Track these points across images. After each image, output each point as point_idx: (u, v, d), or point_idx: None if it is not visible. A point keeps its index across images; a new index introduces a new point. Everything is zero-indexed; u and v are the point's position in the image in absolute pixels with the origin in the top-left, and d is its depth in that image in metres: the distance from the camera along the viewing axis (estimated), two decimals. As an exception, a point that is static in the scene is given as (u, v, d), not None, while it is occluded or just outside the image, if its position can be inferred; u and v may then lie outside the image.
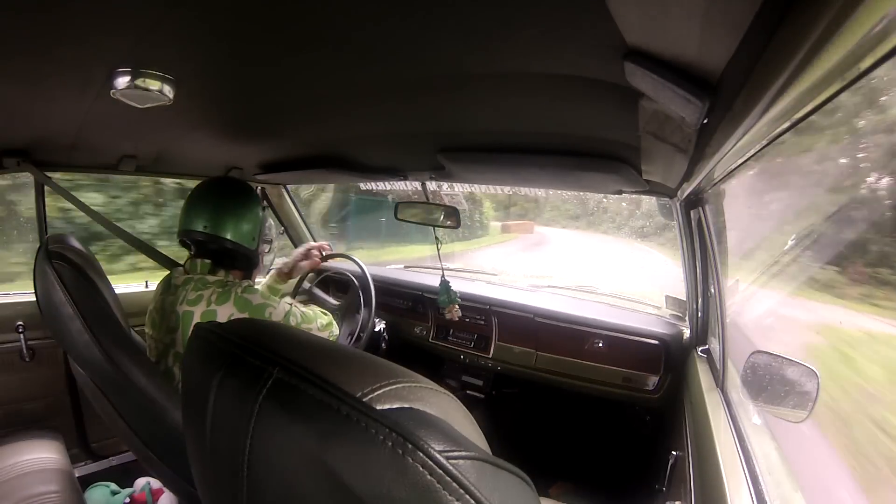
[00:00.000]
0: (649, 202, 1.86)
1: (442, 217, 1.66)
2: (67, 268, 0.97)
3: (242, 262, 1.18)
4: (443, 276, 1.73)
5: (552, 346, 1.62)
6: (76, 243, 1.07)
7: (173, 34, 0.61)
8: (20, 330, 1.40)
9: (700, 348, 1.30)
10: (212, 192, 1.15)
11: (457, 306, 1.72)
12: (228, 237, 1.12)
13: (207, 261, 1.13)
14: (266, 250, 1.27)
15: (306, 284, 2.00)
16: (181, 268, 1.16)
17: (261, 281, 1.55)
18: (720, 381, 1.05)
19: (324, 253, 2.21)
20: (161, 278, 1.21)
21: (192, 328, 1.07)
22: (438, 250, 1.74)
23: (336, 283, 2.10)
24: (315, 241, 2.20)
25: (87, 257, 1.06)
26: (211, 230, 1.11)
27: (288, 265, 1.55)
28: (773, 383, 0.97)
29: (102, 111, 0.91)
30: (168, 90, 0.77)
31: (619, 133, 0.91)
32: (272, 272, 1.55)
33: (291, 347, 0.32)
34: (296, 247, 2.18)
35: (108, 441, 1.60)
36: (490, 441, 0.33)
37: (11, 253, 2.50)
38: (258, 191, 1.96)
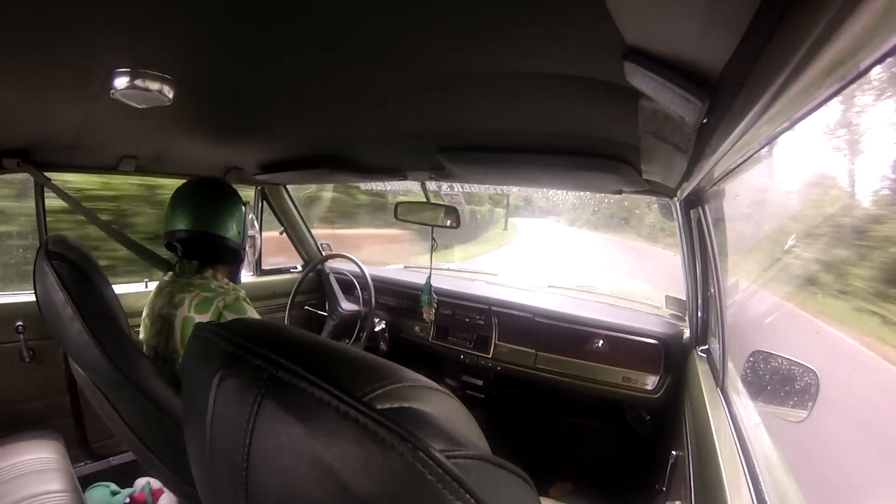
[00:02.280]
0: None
1: (441, 217, 1.66)
2: (67, 268, 0.96)
3: (230, 257, 1.19)
4: (429, 277, 1.76)
5: (552, 345, 1.62)
6: (76, 243, 1.07)
7: (172, 34, 0.61)
8: (20, 330, 1.40)
9: (700, 348, 1.30)
10: (194, 191, 1.16)
11: (433, 310, 1.79)
12: (217, 233, 1.13)
13: (195, 262, 1.13)
14: (249, 244, 1.28)
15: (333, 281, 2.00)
16: (171, 272, 1.17)
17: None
18: (720, 381, 1.05)
19: (324, 253, 2.22)
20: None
21: (178, 330, 1.07)
22: (432, 251, 1.75)
23: (336, 283, 2.10)
24: (315, 239, 2.20)
25: (88, 257, 1.05)
26: (198, 227, 1.11)
27: None
28: (772, 383, 0.97)
29: (102, 111, 0.91)
30: (167, 90, 0.77)
31: (618, 133, 0.91)
32: None
33: (292, 347, 0.32)
34: (296, 246, 2.19)
35: (108, 441, 1.60)
36: (490, 441, 0.33)
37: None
38: (258, 190, 1.96)
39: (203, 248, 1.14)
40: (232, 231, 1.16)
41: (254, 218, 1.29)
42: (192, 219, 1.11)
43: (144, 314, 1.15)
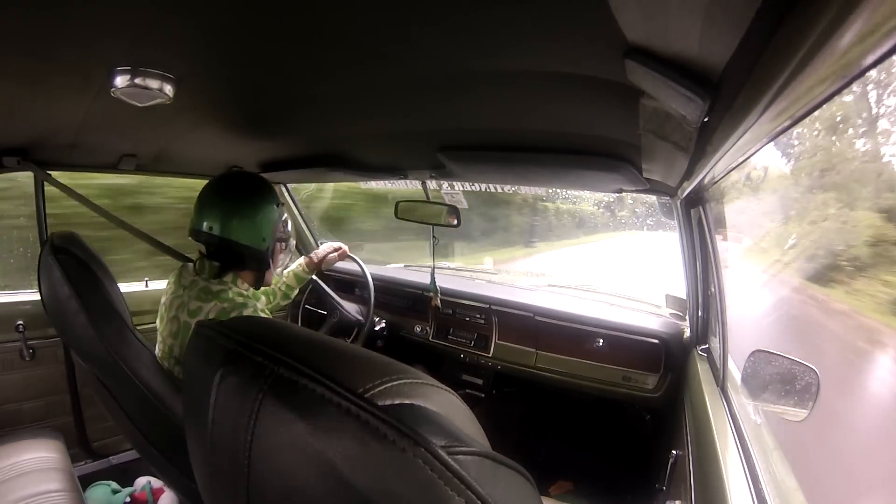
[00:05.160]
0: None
1: (442, 216, 1.66)
2: (73, 263, 0.97)
3: (253, 263, 1.13)
4: (433, 270, 1.82)
5: (552, 344, 1.62)
6: (81, 240, 1.07)
7: (173, 33, 0.61)
8: (20, 329, 1.40)
9: (700, 347, 1.30)
10: (220, 190, 1.10)
11: (437, 297, 1.83)
12: (236, 239, 1.08)
13: (216, 264, 1.08)
14: (282, 248, 1.21)
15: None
16: (192, 266, 1.13)
17: (289, 267, 1.60)
18: (720, 380, 1.05)
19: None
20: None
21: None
22: (433, 248, 1.76)
23: (336, 282, 2.10)
24: (315, 239, 2.21)
25: (92, 254, 1.06)
26: (217, 231, 1.07)
27: (319, 255, 1.64)
28: (773, 382, 0.97)
29: (102, 110, 0.91)
30: (168, 88, 0.77)
31: (619, 131, 0.91)
32: (303, 259, 1.63)
33: (293, 344, 0.32)
34: (296, 245, 2.19)
35: (109, 440, 1.60)
36: (490, 440, 0.33)
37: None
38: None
39: (223, 253, 1.09)
40: (254, 237, 1.10)
41: (287, 220, 1.22)
42: (212, 222, 1.07)
43: (163, 300, 1.14)
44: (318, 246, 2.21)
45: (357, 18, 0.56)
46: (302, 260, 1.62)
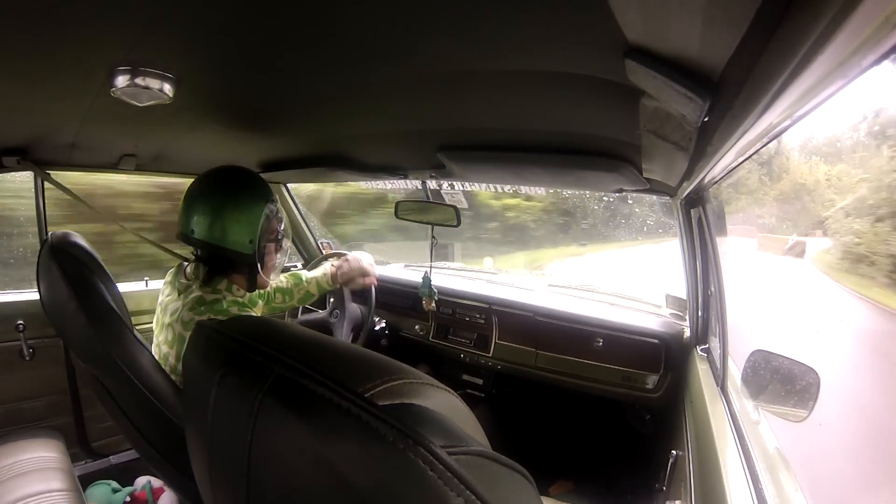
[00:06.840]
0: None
1: (441, 216, 1.66)
2: (72, 264, 0.97)
3: (242, 267, 1.08)
4: (427, 271, 1.78)
5: (552, 344, 1.62)
6: (80, 240, 1.07)
7: (173, 32, 0.61)
8: (20, 329, 1.40)
9: (700, 347, 1.30)
10: (202, 190, 1.05)
11: (433, 302, 1.78)
12: (219, 243, 1.03)
13: (206, 268, 1.06)
14: (278, 248, 1.16)
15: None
16: (187, 267, 1.12)
17: (313, 272, 1.55)
18: (720, 380, 1.05)
19: (324, 252, 2.22)
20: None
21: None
22: (432, 248, 1.75)
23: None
24: (315, 238, 2.21)
25: (91, 254, 1.06)
26: (199, 235, 1.02)
27: (346, 275, 1.55)
28: (773, 382, 0.97)
29: (102, 110, 0.91)
30: (168, 88, 0.77)
31: (619, 131, 0.91)
32: (327, 270, 1.55)
33: (293, 344, 0.32)
34: (296, 245, 2.19)
35: (109, 440, 1.60)
36: (491, 440, 0.33)
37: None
38: None
39: (211, 257, 1.06)
40: (240, 240, 1.04)
41: (278, 220, 1.14)
42: (196, 225, 1.03)
43: (159, 301, 1.12)
44: (318, 246, 2.21)
45: (357, 18, 0.56)
46: (328, 270, 1.55)
